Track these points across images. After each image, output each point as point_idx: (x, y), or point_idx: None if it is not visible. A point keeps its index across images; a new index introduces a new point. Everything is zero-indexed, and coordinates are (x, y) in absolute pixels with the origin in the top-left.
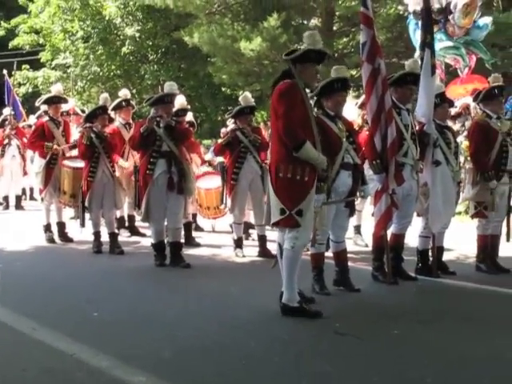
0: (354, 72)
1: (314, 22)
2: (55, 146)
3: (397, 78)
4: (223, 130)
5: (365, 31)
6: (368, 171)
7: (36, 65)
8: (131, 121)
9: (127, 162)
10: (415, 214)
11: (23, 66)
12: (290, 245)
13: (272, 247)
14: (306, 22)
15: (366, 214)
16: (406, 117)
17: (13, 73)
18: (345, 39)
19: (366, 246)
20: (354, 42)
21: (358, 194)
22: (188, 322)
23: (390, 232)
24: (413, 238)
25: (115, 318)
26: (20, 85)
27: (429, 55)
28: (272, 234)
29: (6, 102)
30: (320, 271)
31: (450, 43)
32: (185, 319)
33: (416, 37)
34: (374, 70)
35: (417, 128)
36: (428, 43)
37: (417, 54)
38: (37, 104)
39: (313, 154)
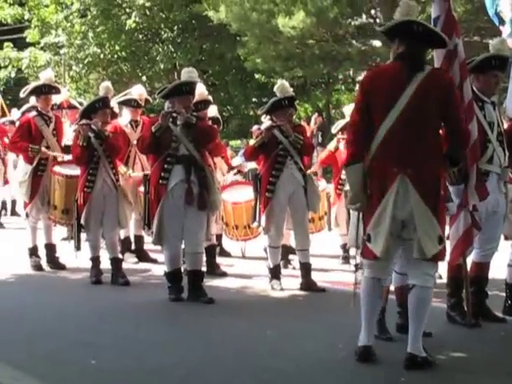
0: None
1: None
2: (43, 149)
3: (479, 63)
4: (255, 128)
5: (438, 3)
6: None
7: (20, 45)
8: (139, 118)
9: (133, 172)
10: (502, 236)
11: (5, 44)
12: (433, 281)
13: (318, 277)
14: None
15: None
16: (491, 112)
17: None
18: None
19: (440, 277)
20: (424, 16)
21: None
22: (209, 373)
23: (470, 260)
24: (500, 267)
25: (117, 367)
26: (0, 67)
27: None
28: (318, 262)
29: None
30: (384, 310)
31: None
32: (204, 370)
33: (494, 5)
34: (449, 52)
35: (505, 126)
36: None
37: (506, 32)
38: (21, 95)
39: None
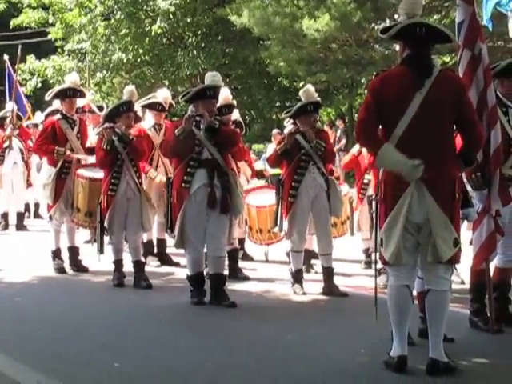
0: (447, 59)
1: None
2: (68, 152)
3: (503, 68)
4: (275, 132)
5: (462, 7)
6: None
7: (44, 48)
8: (162, 121)
9: (158, 175)
10: None
11: (28, 57)
12: (449, 285)
13: (340, 282)
14: None
15: (463, 241)
16: None
17: (17, 62)
18: (436, 17)
19: (462, 282)
20: (448, 21)
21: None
22: (230, 377)
23: (493, 265)
24: None
25: (140, 371)
26: (26, 81)
27: None
28: (340, 266)
29: (8, 95)
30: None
31: None
32: (226, 374)
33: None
34: (473, 57)
35: None
36: None
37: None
38: (47, 98)
39: None
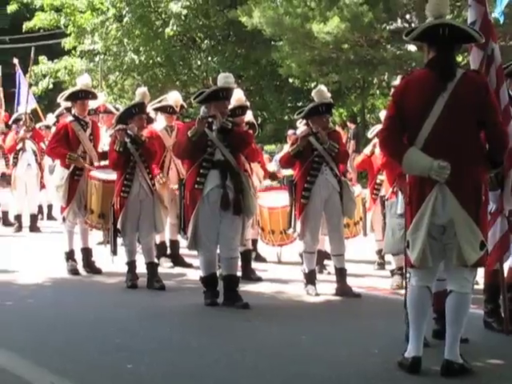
0: (459, 58)
1: None
2: (80, 159)
3: None
4: (290, 133)
5: (474, 7)
6: None
7: (55, 50)
8: (173, 123)
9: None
10: None
11: (40, 58)
12: (471, 287)
13: (353, 283)
14: None
15: None
16: None
17: (30, 64)
18: (448, 17)
19: (477, 283)
20: (460, 21)
21: None
22: (242, 378)
23: (507, 266)
24: None
25: (152, 372)
26: (37, 82)
27: None
28: (353, 267)
29: (16, 100)
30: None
31: None
32: (238, 375)
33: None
34: (485, 56)
35: None
36: None
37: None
38: (58, 100)
39: None
